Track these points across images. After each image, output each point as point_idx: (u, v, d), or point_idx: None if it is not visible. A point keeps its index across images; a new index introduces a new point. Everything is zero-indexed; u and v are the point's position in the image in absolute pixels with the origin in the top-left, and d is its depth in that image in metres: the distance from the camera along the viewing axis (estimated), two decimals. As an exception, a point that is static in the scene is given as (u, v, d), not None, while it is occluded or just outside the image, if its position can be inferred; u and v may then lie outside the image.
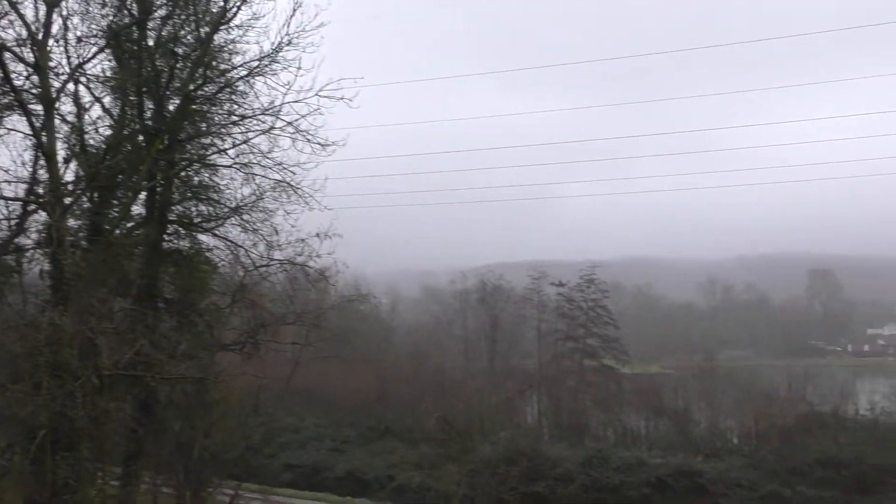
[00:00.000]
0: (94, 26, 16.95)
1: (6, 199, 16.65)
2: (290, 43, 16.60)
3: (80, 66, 16.66)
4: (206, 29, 16.89)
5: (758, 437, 33.98)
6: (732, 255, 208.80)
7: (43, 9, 15.86)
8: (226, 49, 17.76)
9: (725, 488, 29.47)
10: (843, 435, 31.66)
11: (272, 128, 17.40)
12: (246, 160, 18.14)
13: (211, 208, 18.84)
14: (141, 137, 17.37)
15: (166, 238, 18.71)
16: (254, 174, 18.16)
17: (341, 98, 16.72)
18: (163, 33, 17.27)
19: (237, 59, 17.77)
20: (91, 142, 17.47)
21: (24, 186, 16.88)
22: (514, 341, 54.66)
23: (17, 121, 16.49)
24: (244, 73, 17.48)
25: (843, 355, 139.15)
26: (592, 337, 49.32)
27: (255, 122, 17.74)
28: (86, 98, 17.46)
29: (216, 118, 18.37)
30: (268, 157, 17.85)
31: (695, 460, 31.43)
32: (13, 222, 16.70)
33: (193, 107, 17.60)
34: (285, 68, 16.88)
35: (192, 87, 17.00)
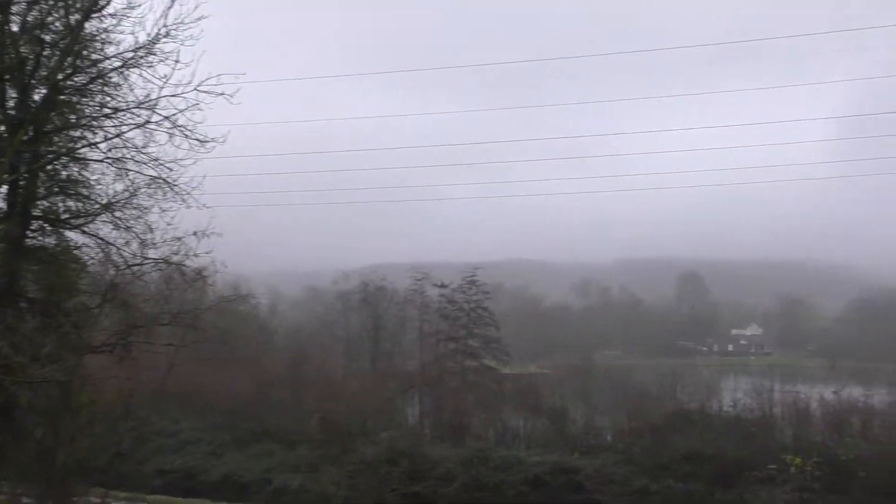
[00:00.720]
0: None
1: None
2: (167, 35, 16.05)
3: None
4: (77, 16, 16.11)
5: (630, 434, 35.14)
6: (609, 259, 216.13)
7: None
8: (98, 38, 16.94)
9: (600, 484, 30.33)
10: (708, 431, 33.13)
11: (148, 122, 16.76)
12: (119, 155, 17.38)
13: (80, 204, 17.93)
14: (2, 128, 16.39)
15: (30, 234, 17.69)
16: (127, 169, 17.43)
17: (221, 94, 16.32)
18: (28, 18, 16.34)
19: (110, 49, 17.00)
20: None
21: None
22: (397, 342, 54.80)
23: None
24: (118, 63, 16.76)
25: (709, 355, 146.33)
26: (474, 338, 50.04)
27: (129, 115, 17.04)
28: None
29: (87, 110, 17.49)
30: (143, 153, 17.18)
31: (571, 458, 32.22)
32: None
33: (62, 97, 16.75)
34: (162, 61, 16.31)
35: (60, 77, 16.17)
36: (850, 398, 32.87)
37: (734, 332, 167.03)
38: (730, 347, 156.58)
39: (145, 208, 17.55)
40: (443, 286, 50.71)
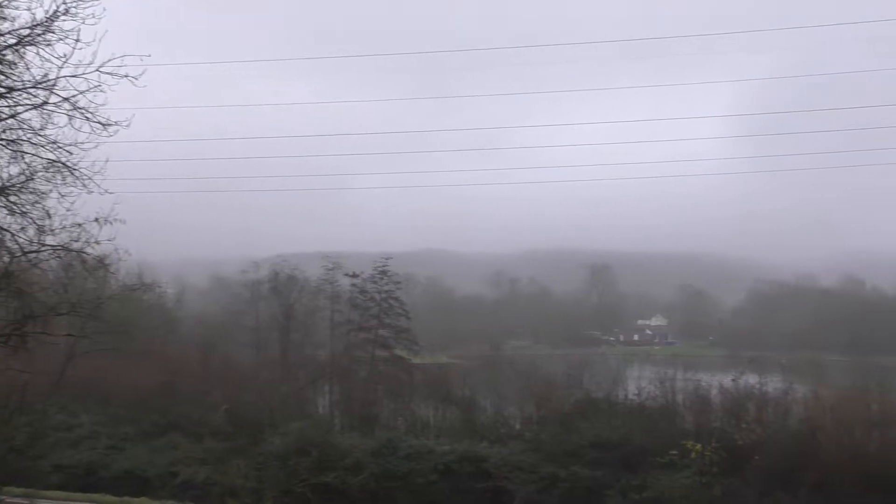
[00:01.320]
0: None
1: None
2: (66, 12, 15.33)
3: None
4: (-32, -11, 15.28)
5: (538, 422, 35.74)
6: (521, 250, 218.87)
7: None
8: (-9, 12, 16.12)
9: (507, 472, 30.75)
10: (615, 418, 33.99)
11: (45, 103, 16.00)
12: (14, 136, 16.56)
13: (-30, 188, 17.04)
14: None
15: (-86, 219, 16.72)
16: (23, 152, 16.59)
17: (125, 76, 15.72)
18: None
19: (5, 26, 16.17)
20: None
21: None
22: (307, 332, 54.19)
23: None
24: (13, 41, 15.96)
25: (616, 344, 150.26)
26: (385, 328, 49.94)
27: (25, 95, 16.22)
28: None
29: (-22, 89, 16.64)
30: (40, 135, 16.38)
31: (480, 446, 32.55)
32: None
33: (-49, 74, 15.90)
34: (62, 39, 15.59)
35: (-51, 53, 15.33)
36: (746, 386, 34.17)
37: (640, 322, 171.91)
38: (636, 337, 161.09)
39: (43, 193, 16.75)
40: (354, 276, 50.41)
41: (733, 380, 34.29)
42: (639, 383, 37.42)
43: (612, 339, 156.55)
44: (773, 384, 35.02)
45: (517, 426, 36.57)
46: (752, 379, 34.96)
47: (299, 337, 53.07)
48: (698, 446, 29.82)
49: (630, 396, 35.95)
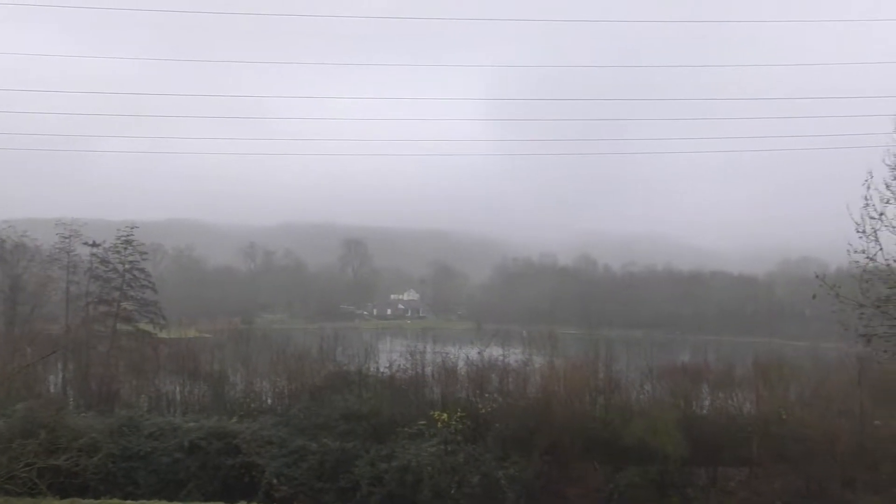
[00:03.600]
0: None
1: None
2: None
3: None
4: None
5: (290, 396, 35.49)
6: (276, 223, 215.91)
7: None
8: None
9: (258, 447, 30.27)
10: (365, 391, 34.54)
11: None
12: None
13: None
14: None
15: None
16: None
17: None
18: None
19: None
20: None
21: None
22: (39, 304, 49.74)
23: None
24: None
25: (369, 318, 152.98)
26: (129, 300, 47.00)
27: None
28: None
29: None
30: None
31: (229, 422, 31.76)
32: None
33: None
34: None
35: None
36: (491, 358, 36.06)
37: (393, 297, 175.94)
38: (389, 312, 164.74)
39: None
40: (95, 245, 46.82)
41: (479, 352, 36.02)
42: (390, 356, 38.28)
43: (365, 313, 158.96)
44: (515, 356, 37.29)
45: (268, 401, 36.09)
46: (496, 351, 36.94)
47: (28, 309, 48.57)
48: (444, 416, 31.13)
49: (381, 369, 36.67)
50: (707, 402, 35.09)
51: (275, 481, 29.21)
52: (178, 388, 36.75)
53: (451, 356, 36.86)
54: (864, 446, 31.08)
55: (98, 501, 27.76)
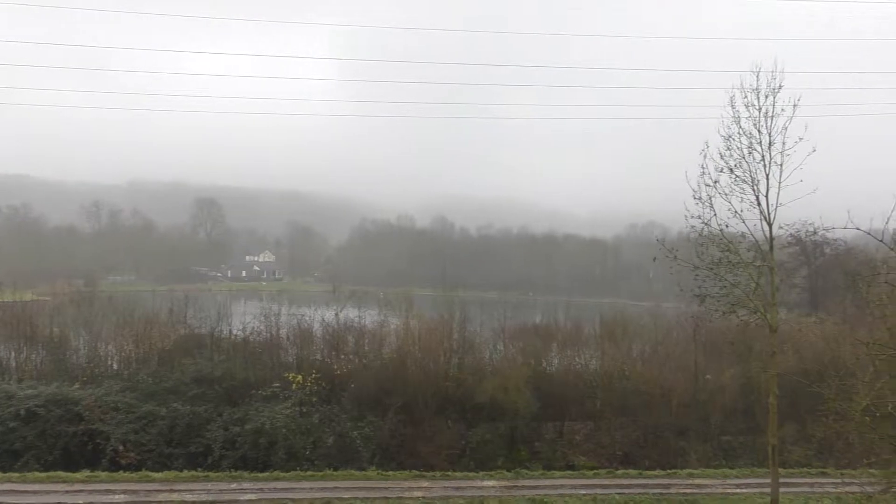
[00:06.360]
0: None
1: None
2: None
3: None
4: None
5: (137, 361, 34.22)
6: (123, 180, 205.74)
7: None
8: None
9: (102, 413, 29.13)
10: (218, 354, 33.80)
11: None
12: None
13: None
14: None
15: None
16: None
17: None
18: None
19: None
20: None
21: None
22: None
23: None
24: None
25: (223, 280, 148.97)
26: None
27: None
28: None
29: None
30: None
31: (71, 388, 30.33)
32: None
33: None
34: None
35: None
36: (347, 319, 36.03)
37: (248, 258, 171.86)
38: (243, 273, 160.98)
39: None
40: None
41: (335, 314, 35.91)
42: (244, 319, 37.53)
43: (219, 274, 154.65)
44: (371, 317, 37.39)
45: (114, 366, 34.65)
46: (352, 313, 36.92)
47: None
48: (300, 378, 30.98)
49: (235, 332, 35.96)
50: (556, 361, 36.50)
51: (121, 448, 28.23)
52: (13, 354, 34.60)
53: (307, 318, 36.58)
54: (696, 398, 33.37)
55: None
